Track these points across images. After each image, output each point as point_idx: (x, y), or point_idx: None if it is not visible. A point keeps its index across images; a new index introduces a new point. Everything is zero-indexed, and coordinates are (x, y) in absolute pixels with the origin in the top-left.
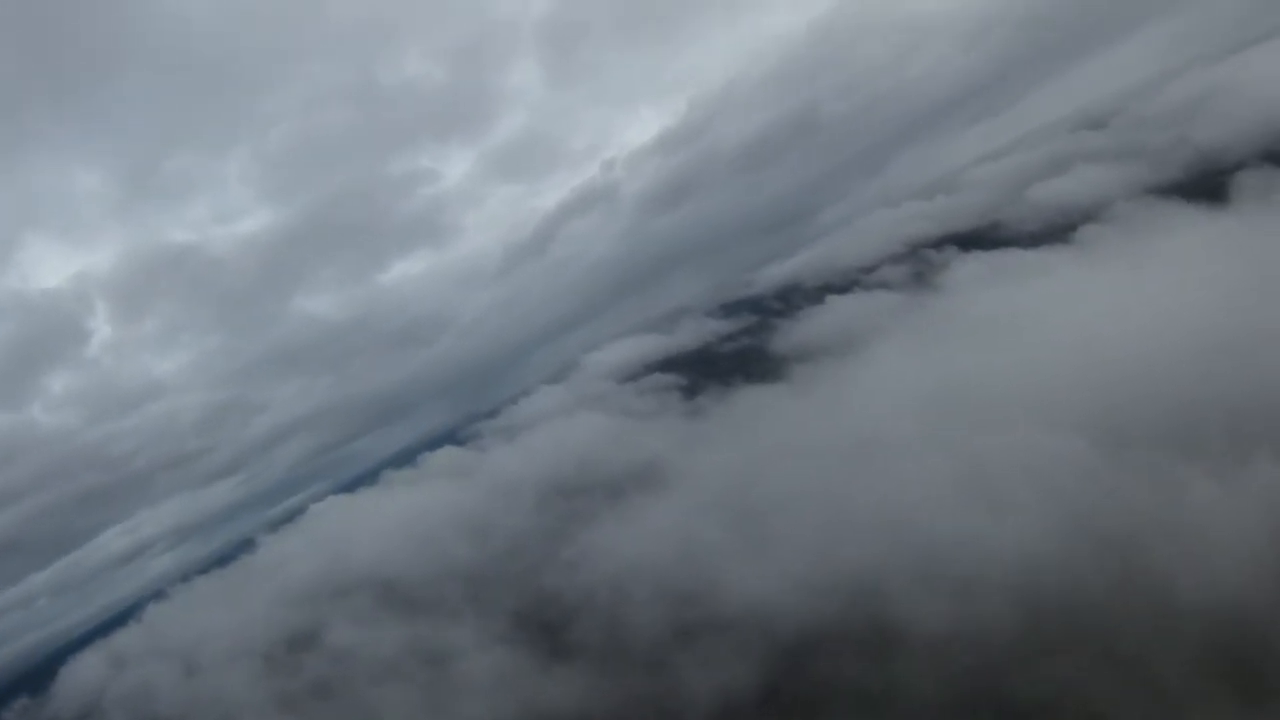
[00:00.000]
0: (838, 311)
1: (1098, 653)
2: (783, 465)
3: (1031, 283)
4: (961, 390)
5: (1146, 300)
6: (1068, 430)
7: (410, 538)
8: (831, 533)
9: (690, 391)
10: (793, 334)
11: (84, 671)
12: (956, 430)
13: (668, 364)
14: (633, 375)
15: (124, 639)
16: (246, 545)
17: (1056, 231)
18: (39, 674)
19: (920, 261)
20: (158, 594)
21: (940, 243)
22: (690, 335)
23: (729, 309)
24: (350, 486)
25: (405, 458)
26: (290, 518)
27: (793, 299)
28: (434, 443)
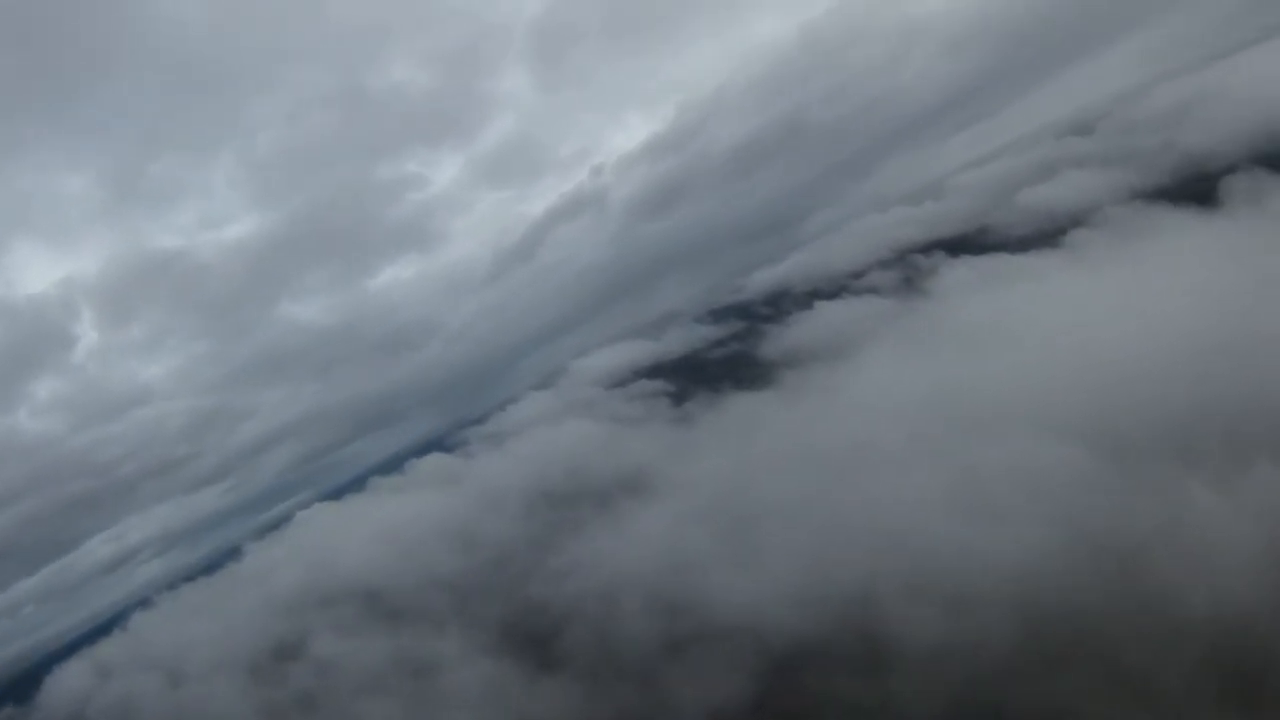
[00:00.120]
0: (827, 317)
1: (1097, 666)
2: (773, 473)
3: (1021, 287)
4: (953, 396)
5: (1138, 304)
6: (1062, 437)
7: (397, 546)
8: (823, 542)
9: (679, 398)
10: (782, 340)
11: (69, 681)
12: (949, 437)
13: (656, 370)
14: (621, 381)
15: (109, 648)
16: (233, 553)
17: (1045, 236)
18: (25, 683)
19: (909, 267)
20: (144, 602)
21: (929, 248)
22: (679, 341)
23: (718, 314)
24: (338, 493)
25: (393, 464)
26: (277, 525)
27: (782, 304)
28: (422, 449)
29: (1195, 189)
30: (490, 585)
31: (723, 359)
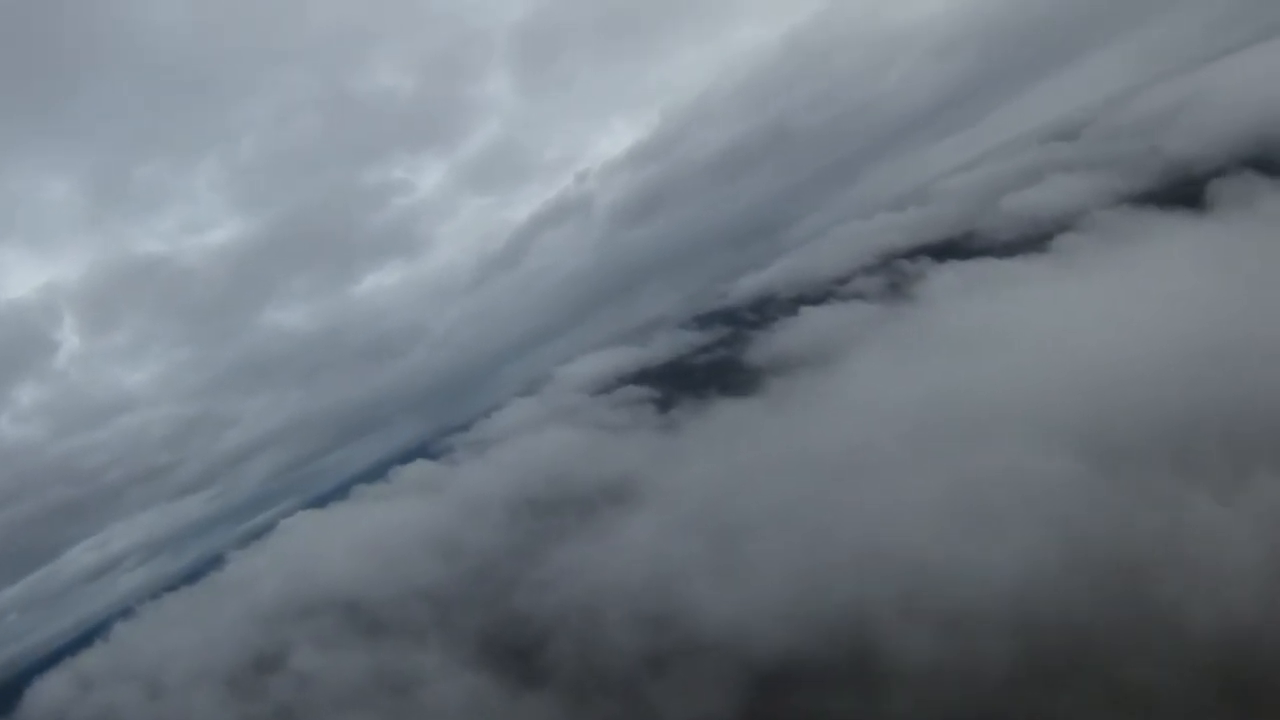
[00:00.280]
0: (813, 323)
1: (1097, 680)
2: (759, 481)
3: (1008, 293)
4: (941, 402)
5: (1126, 309)
6: (1055, 445)
7: (379, 556)
8: (811, 553)
9: (664, 404)
10: (768, 346)
11: (51, 691)
12: (940, 445)
13: (641, 376)
14: (606, 388)
15: (91, 659)
16: (216, 561)
17: (1032, 241)
18: (6, 693)
19: (895, 272)
20: (126, 611)
21: (914, 253)
22: (664, 347)
23: (703, 320)
24: (321, 501)
25: (377, 472)
26: (261, 533)
27: (767, 310)
28: (406, 456)
29: (1182, 193)
30: (472, 596)
31: (708, 365)
